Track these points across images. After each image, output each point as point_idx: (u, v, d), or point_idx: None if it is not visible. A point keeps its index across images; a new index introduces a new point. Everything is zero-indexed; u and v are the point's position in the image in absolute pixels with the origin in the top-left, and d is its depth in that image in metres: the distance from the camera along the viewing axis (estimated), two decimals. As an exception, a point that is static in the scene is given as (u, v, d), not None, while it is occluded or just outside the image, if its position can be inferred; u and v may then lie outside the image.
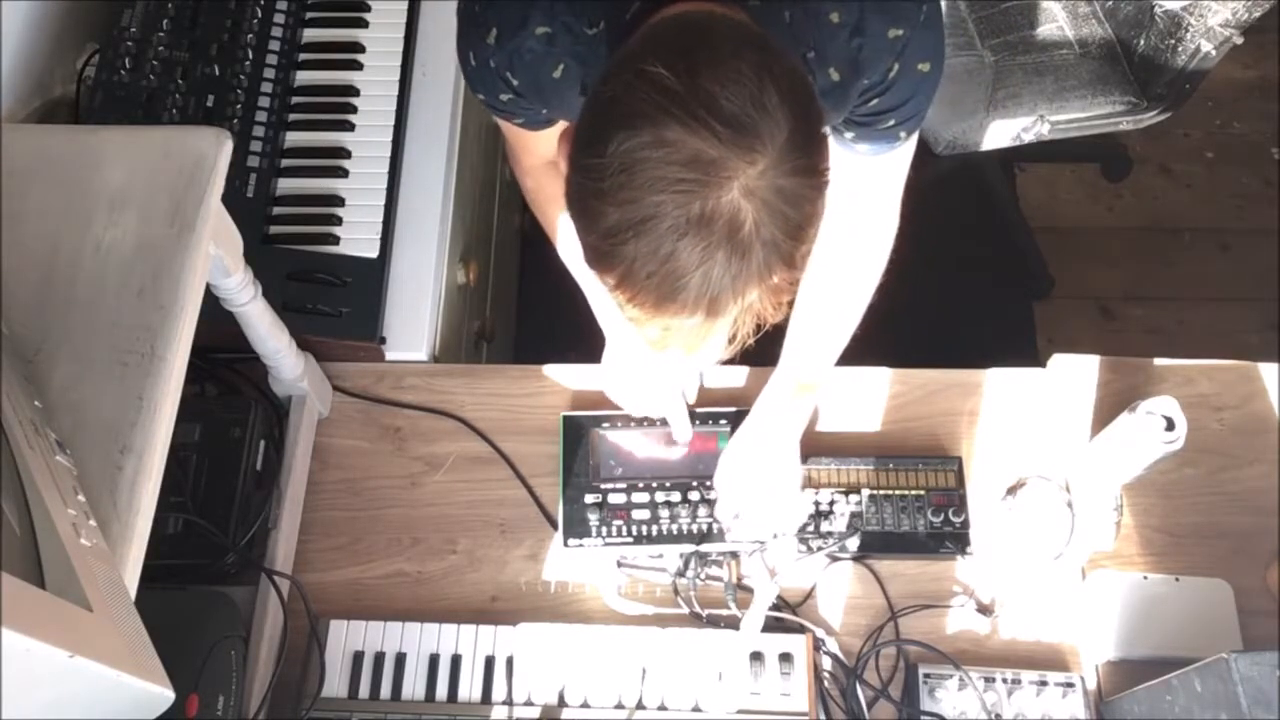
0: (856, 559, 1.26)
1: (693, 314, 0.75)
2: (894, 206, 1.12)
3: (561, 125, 1.10)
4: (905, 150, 1.05)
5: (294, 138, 1.42)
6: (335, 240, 1.36)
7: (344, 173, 1.40)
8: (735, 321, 0.77)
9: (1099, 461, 1.22)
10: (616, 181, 0.71)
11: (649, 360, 1.24)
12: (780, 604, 1.23)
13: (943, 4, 0.94)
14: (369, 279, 1.35)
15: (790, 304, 0.81)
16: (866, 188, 1.08)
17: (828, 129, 1.00)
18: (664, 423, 1.28)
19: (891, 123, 0.98)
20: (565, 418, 1.31)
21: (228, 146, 0.93)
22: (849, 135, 1.01)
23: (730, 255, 0.72)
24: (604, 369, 1.28)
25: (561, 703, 1.17)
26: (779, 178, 0.71)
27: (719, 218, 0.71)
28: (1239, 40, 1.64)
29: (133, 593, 0.76)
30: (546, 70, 0.94)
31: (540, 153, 1.15)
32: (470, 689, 1.18)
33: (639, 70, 0.72)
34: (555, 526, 1.28)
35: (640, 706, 1.17)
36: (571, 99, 0.97)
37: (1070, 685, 1.17)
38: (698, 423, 1.29)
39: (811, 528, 1.25)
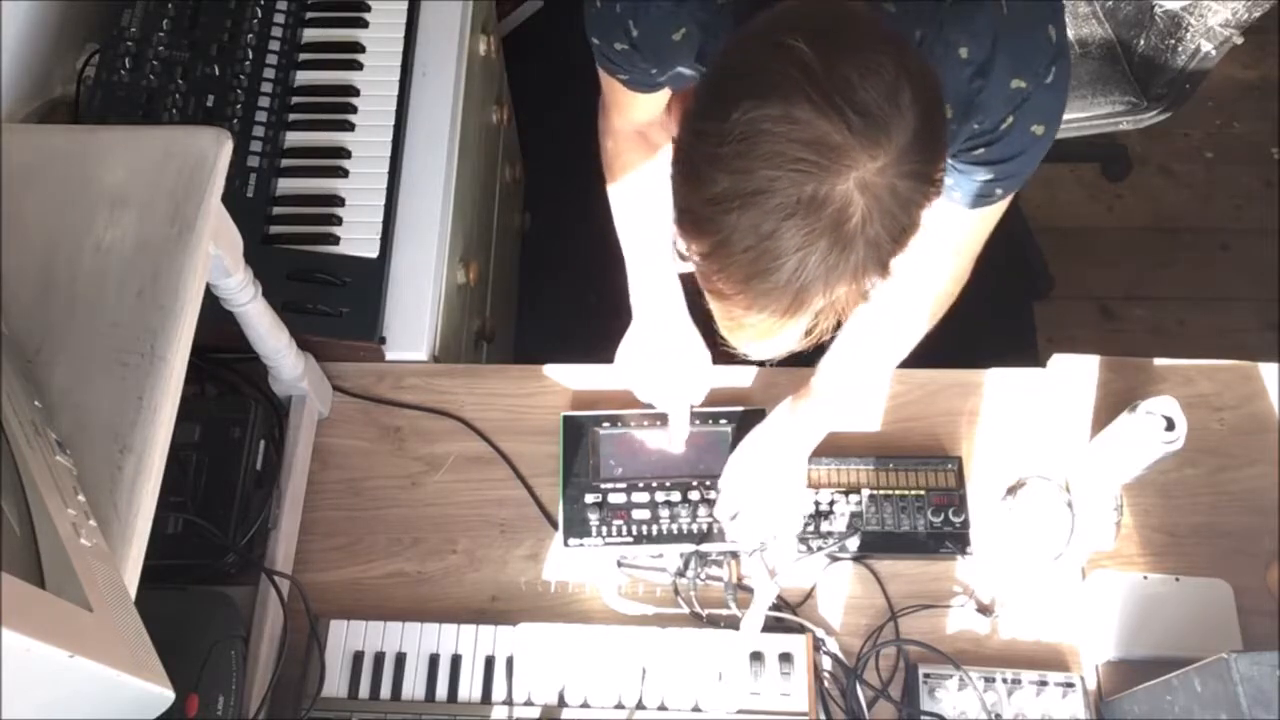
0: (856, 559, 1.26)
1: (780, 298, 0.73)
2: (969, 262, 1.09)
3: (664, 95, 1.08)
4: (996, 209, 1.02)
5: (294, 138, 1.42)
6: (335, 240, 1.36)
7: (344, 173, 1.40)
8: (816, 315, 0.76)
9: (1099, 461, 1.22)
10: (734, 149, 0.70)
11: (668, 349, 1.24)
12: (780, 604, 1.23)
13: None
14: (369, 279, 1.35)
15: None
16: (948, 235, 1.04)
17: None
18: (665, 421, 1.28)
19: (990, 177, 0.95)
20: (565, 418, 1.31)
21: (228, 146, 0.93)
22: (947, 180, 0.97)
23: (832, 246, 0.70)
24: (623, 349, 1.28)
25: (561, 703, 1.17)
26: (896, 177, 0.70)
27: (829, 205, 0.69)
28: (1239, 40, 1.64)
29: (133, 593, 0.76)
30: (668, 30, 0.92)
31: (633, 118, 1.14)
32: (470, 689, 1.18)
33: (779, 42, 0.70)
34: (555, 526, 1.28)
35: (640, 706, 1.17)
36: (684, 65, 0.96)
37: (1070, 685, 1.17)
38: (699, 422, 1.29)
39: (811, 528, 1.25)
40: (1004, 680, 1.17)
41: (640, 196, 1.21)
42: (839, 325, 0.78)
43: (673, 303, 1.24)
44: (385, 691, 1.18)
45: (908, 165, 0.70)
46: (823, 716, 1.18)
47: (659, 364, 1.26)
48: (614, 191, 1.23)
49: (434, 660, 1.19)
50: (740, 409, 1.30)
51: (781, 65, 0.69)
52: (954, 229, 1.03)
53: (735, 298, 0.75)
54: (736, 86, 0.71)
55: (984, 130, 0.91)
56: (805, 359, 0.90)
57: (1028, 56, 0.88)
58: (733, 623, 1.21)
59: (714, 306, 0.79)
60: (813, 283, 0.72)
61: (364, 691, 1.18)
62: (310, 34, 1.48)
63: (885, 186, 0.70)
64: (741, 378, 1.35)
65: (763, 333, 0.78)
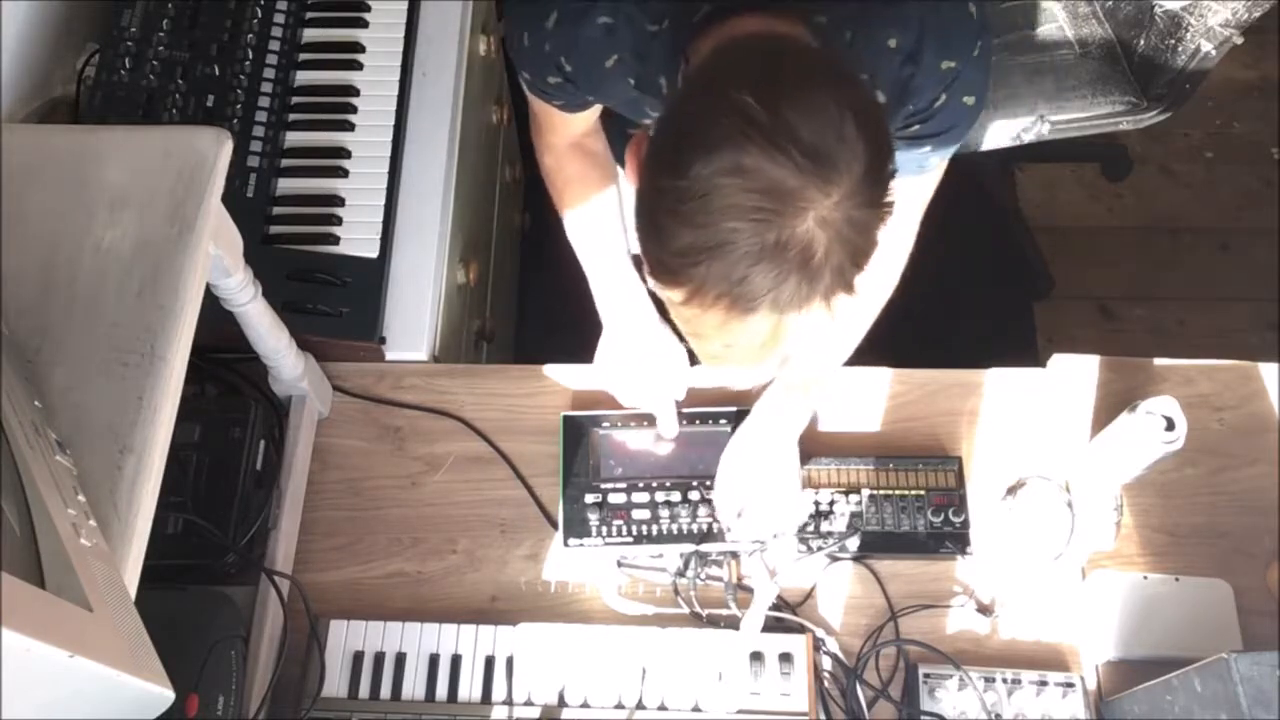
0: (856, 559, 1.26)
1: (757, 335, 0.76)
2: (912, 229, 1.13)
3: (597, 108, 1.10)
4: (933, 177, 1.06)
5: (294, 138, 1.42)
6: (335, 240, 1.36)
7: (344, 173, 1.40)
8: (794, 343, 0.78)
9: (1099, 461, 1.22)
10: (695, 206, 0.72)
11: (643, 354, 1.24)
12: (780, 604, 1.23)
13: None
14: (369, 279, 1.35)
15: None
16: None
17: None
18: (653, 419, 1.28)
19: (927, 149, 0.99)
20: (565, 418, 1.31)
21: (228, 146, 0.93)
22: None
23: (800, 281, 0.73)
24: (599, 359, 1.28)
25: (561, 703, 1.17)
26: (852, 208, 0.73)
27: (793, 246, 0.72)
28: (1239, 40, 1.64)
29: (133, 593, 0.76)
30: (600, 60, 0.95)
31: (568, 133, 1.16)
32: (470, 689, 1.18)
33: (722, 96, 0.73)
34: (555, 526, 1.28)
35: (640, 706, 1.17)
36: (621, 90, 0.98)
37: (1070, 685, 1.17)
38: (697, 422, 1.29)
39: (811, 528, 1.25)
40: (1004, 680, 1.17)
41: (589, 207, 1.23)
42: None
43: (639, 306, 1.25)
44: (385, 691, 1.18)
45: (863, 195, 0.73)
46: (823, 716, 1.18)
47: (636, 368, 1.26)
48: (563, 206, 1.24)
49: (434, 660, 1.19)
50: (736, 409, 1.30)
51: (728, 119, 0.72)
52: (897, 200, 1.06)
53: (714, 338, 0.79)
54: (688, 143, 0.74)
55: (918, 110, 0.95)
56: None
57: (955, 38, 0.91)
58: (733, 623, 1.21)
59: (694, 344, 0.83)
60: (786, 317, 0.75)
61: (364, 691, 1.18)
62: (310, 34, 1.48)
63: (843, 219, 0.73)
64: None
65: (743, 364, 0.81)
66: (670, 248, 0.75)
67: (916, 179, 1.05)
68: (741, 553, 1.25)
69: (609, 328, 1.27)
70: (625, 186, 1.22)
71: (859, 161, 0.72)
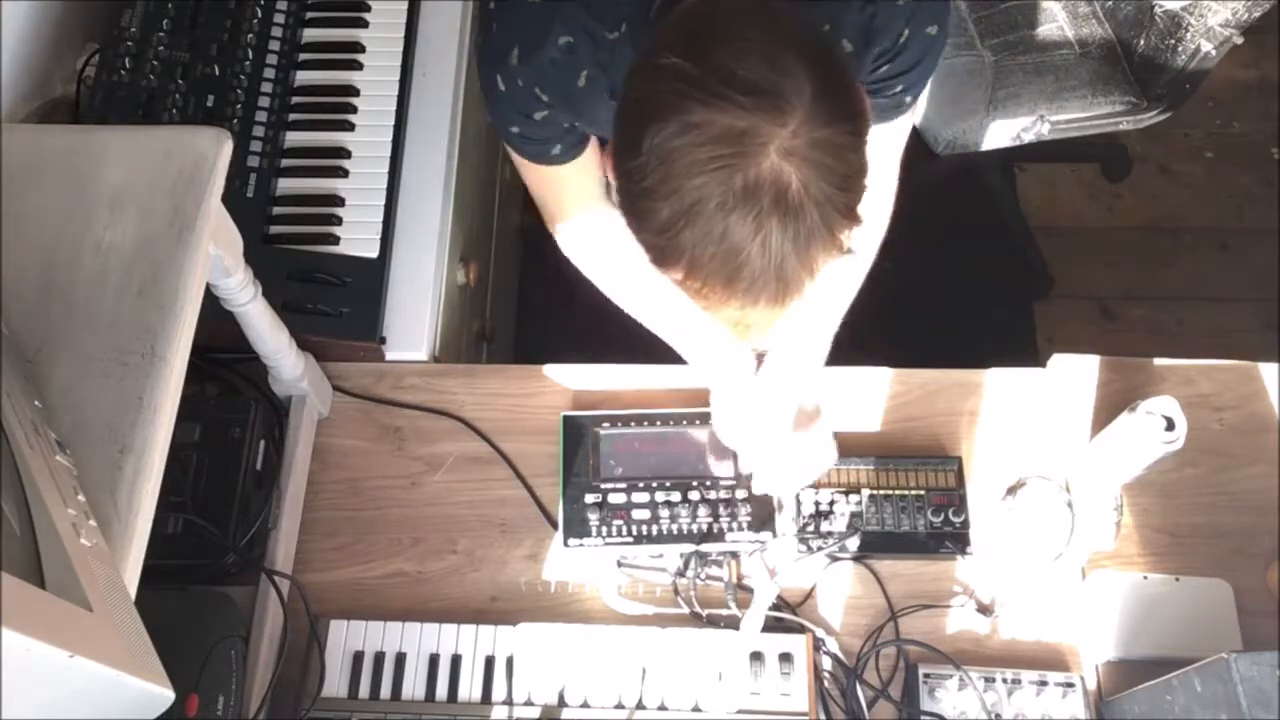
0: (856, 559, 1.26)
1: (765, 286, 0.74)
2: (894, 172, 1.13)
3: (596, 155, 1.10)
4: (907, 119, 1.06)
5: (294, 138, 1.42)
6: (335, 240, 1.36)
7: (344, 173, 1.40)
8: (807, 287, 0.76)
9: (1099, 461, 1.22)
10: (657, 176, 0.72)
11: (750, 400, 1.22)
12: (780, 604, 1.23)
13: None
14: (369, 279, 1.35)
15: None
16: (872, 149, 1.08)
17: None
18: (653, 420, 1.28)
19: (899, 88, 0.99)
20: (565, 418, 1.31)
21: (228, 146, 0.93)
22: None
23: (784, 219, 0.72)
24: (715, 419, 1.26)
25: (561, 703, 1.17)
26: (814, 130, 0.71)
27: (763, 184, 0.71)
28: (1239, 40, 1.64)
29: (133, 593, 0.76)
30: (571, 79, 0.95)
31: (584, 191, 1.13)
32: (470, 689, 1.18)
33: (655, 64, 0.73)
34: (555, 526, 1.28)
35: (640, 706, 1.17)
36: (600, 108, 0.98)
37: (1070, 685, 1.17)
38: (698, 422, 1.29)
39: (811, 528, 1.25)
40: (1004, 680, 1.17)
41: (650, 289, 1.19)
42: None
43: (734, 359, 1.22)
44: (385, 691, 1.18)
45: (822, 116, 0.71)
46: (823, 716, 1.18)
47: (749, 419, 1.22)
48: (619, 296, 1.22)
49: (434, 660, 1.19)
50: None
51: (664, 83, 0.72)
52: (875, 147, 1.07)
53: (729, 302, 0.77)
54: (636, 120, 0.73)
55: (885, 49, 0.95)
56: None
57: None
58: (733, 623, 1.21)
59: (717, 318, 0.81)
60: (786, 259, 0.73)
61: (364, 691, 1.18)
62: (310, 34, 1.48)
63: (807, 144, 0.71)
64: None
65: (769, 322, 0.79)
66: (653, 227, 0.74)
67: (890, 125, 1.05)
68: (741, 553, 1.25)
69: (714, 389, 1.25)
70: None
71: (805, 83, 0.71)
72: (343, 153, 1.41)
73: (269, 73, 1.42)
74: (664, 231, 0.74)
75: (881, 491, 1.27)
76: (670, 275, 0.78)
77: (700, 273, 0.75)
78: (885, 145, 1.08)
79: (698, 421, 1.29)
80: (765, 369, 1.22)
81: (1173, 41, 1.71)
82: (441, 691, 1.18)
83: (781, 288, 0.75)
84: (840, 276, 1.15)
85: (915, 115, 1.06)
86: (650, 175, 0.72)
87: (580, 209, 1.16)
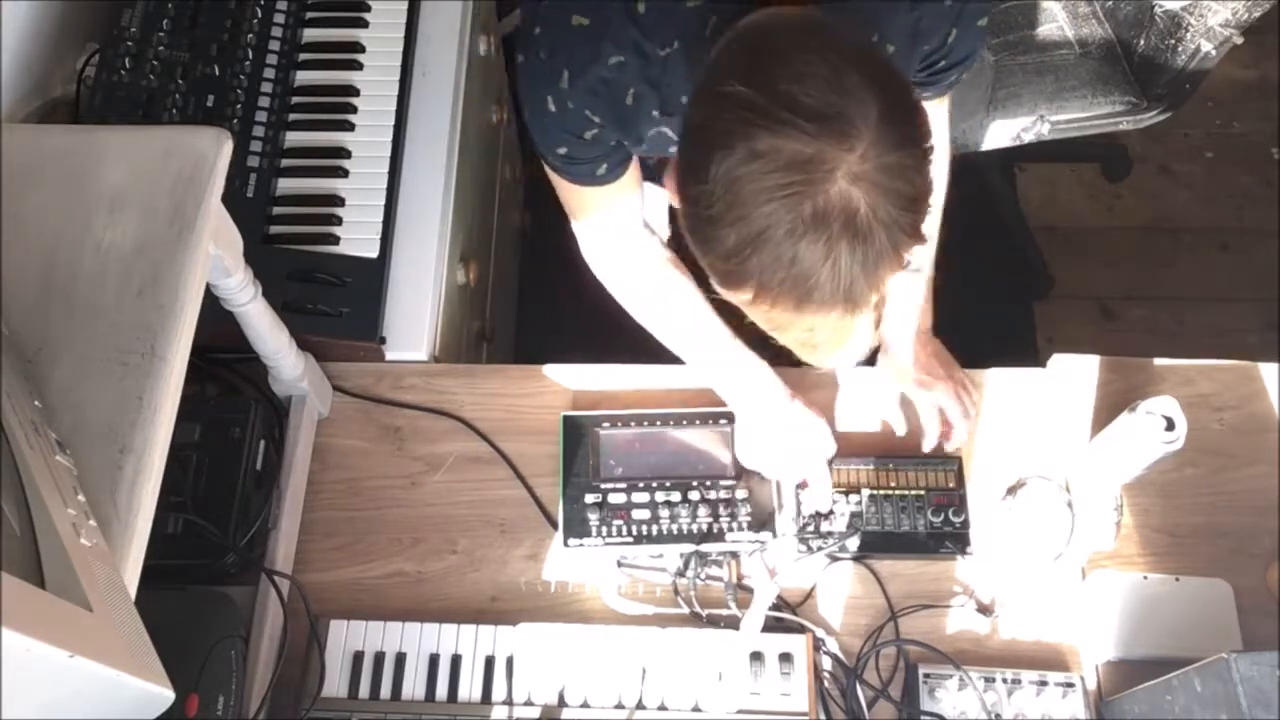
0: (856, 559, 1.26)
1: (831, 308, 0.75)
2: (946, 139, 1.17)
3: (637, 174, 1.10)
4: (949, 91, 1.08)
5: (294, 138, 1.42)
6: (335, 240, 1.36)
7: (344, 173, 1.40)
8: (875, 305, 0.77)
9: (1099, 461, 1.22)
10: (724, 203, 0.72)
11: (781, 429, 1.24)
12: (780, 604, 1.23)
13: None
14: (369, 279, 1.35)
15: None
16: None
17: None
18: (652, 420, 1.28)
19: (951, 78, 1.01)
20: (565, 418, 1.31)
21: (228, 146, 0.93)
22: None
23: (853, 243, 0.72)
24: (740, 447, 1.26)
25: (561, 703, 1.17)
26: (881, 155, 0.71)
27: (832, 211, 0.71)
28: (1239, 40, 1.64)
29: (133, 593, 0.76)
30: (620, 98, 0.95)
31: (622, 212, 1.14)
32: (470, 689, 1.18)
33: (718, 93, 0.73)
34: (555, 526, 1.28)
35: (640, 706, 1.17)
36: (645, 125, 0.98)
37: (1070, 685, 1.17)
38: (698, 422, 1.29)
39: (811, 528, 1.25)
40: (1004, 680, 1.17)
41: (681, 314, 1.21)
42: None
43: (764, 387, 1.24)
44: (385, 691, 1.18)
45: (889, 139, 0.72)
46: (823, 716, 1.18)
47: (783, 446, 1.24)
48: (648, 320, 1.23)
49: (434, 660, 1.19)
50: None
51: (729, 111, 0.72)
52: (934, 118, 1.09)
53: (795, 324, 0.78)
54: (702, 147, 0.74)
55: (933, 49, 0.96)
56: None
57: None
58: (733, 623, 1.21)
59: (782, 339, 0.82)
60: (854, 281, 0.74)
61: (364, 691, 1.18)
62: (310, 34, 1.48)
63: (875, 169, 0.71)
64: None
65: (836, 343, 0.80)
66: (719, 252, 0.75)
67: (946, 96, 1.07)
68: (741, 553, 1.25)
69: (741, 415, 1.26)
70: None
71: (871, 106, 0.71)
72: (343, 153, 1.41)
73: (269, 73, 1.42)
74: (732, 257, 0.74)
75: (881, 491, 1.27)
76: (736, 297, 0.79)
77: (769, 296, 0.75)
78: (940, 110, 1.10)
79: (698, 421, 1.29)
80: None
81: (1173, 41, 1.71)
82: (441, 691, 1.18)
83: (850, 309, 0.76)
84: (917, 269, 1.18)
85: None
86: (717, 203, 0.73)
87: (616, 231, 1.17)
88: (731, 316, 1.19)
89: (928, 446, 1.28)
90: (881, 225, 0.72)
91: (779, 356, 1.21)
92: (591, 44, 0.92)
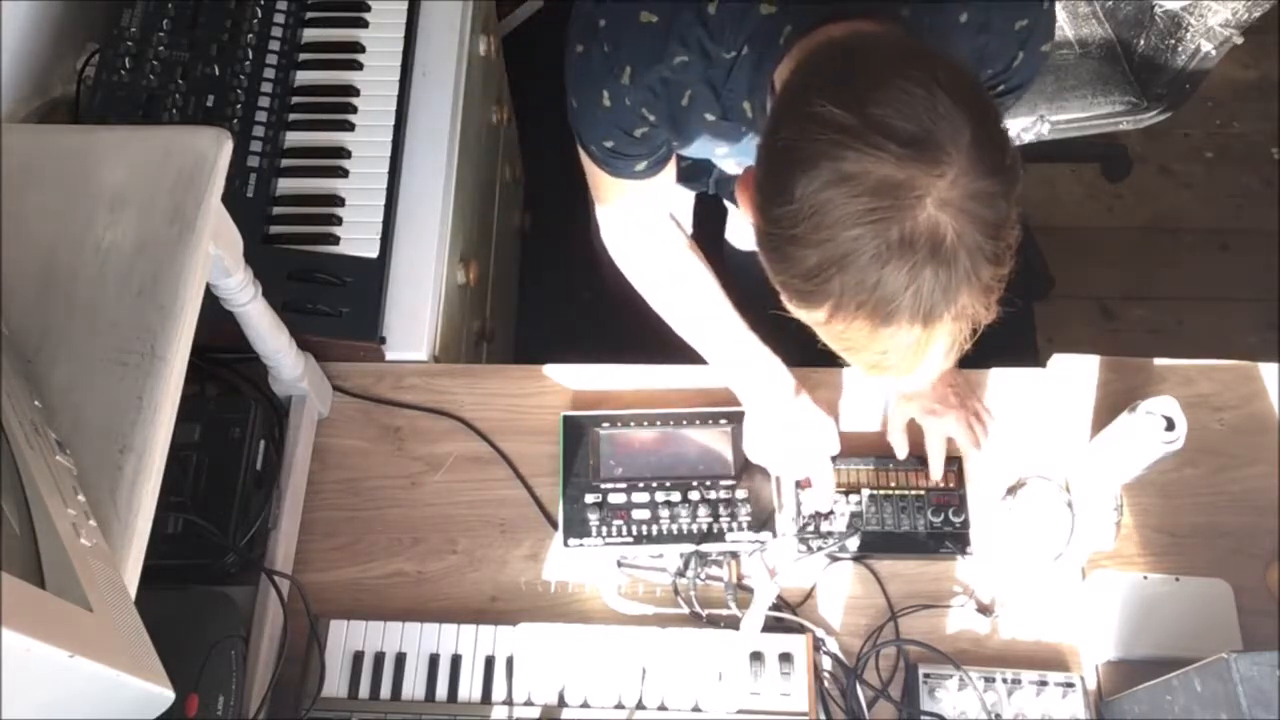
0: (856, 559, 1.26)
1: (908, 333, 0.75)
2: None
3: (673, 170, 1.09)
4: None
5: (294, 138, 1.42)
6: (335, 240, 1.36)
7: (344, 173, 1.40)
8: (951, 331, 0.77)
9: (1099, 461, 1.22)
10: (809, 225, 0.72)
11: (788, 425, 1.24)
12: (780, 604, 1.23)
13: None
14: (369, 279, 1.35)
15: (1000, 302, 0.80)
16: None
17: None
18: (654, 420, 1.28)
19: (1009, 102, 1.01)
20: (565, 418, 1.31)
21: (228, 146, 0.93)
22: None
23: (937, 269, 0.72)
24: (748, 440, 1.26)
25: (561, 703, 1.17)
26: (972, 182, 0.71)
27: (919, 237, 0.71)
28: (1239, 40, 1.64)
29: (133, 593, 0.76)
30: (677, 98, 0.95)
31: (654, 206, 1.14)
32: (470, 689, 1.18)
33: (806, 113, 0.72)
34: (555, 526, 1.28)
35: (640, 706, 1.17)
36: (697, 126, 0.98)
37: (1070, 685, 1.17)
38: (698, 422, 1.29)
39: (811, 528, 1.25)
40: (1004, 680, 1.17)
41: (696, 301, 1.22)
42: (975, 331, 0.79)
43: (774, 381, 1.24)
44: (385, 691, 1.18)
45: (979, 166, 0.71)
46: (823, 716, 1.18)
47: (786, 441, 1.24)
48: (660, 304, 1.23)
49: (434, 660, 1.19)
50: (742, 409, 1.29)
51: (819, 132, 0.71)
52: None
53: (867, 348, 0.77)
54: (788, 167, 0.73)
55: (997, 73, 0.95)
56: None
57: None
58: (733, 623, 1.21)
59: (849, 359, 0.81)
60: (934, 306, 0.73)
61: (364, 691, 1.18)
62: (310, 34, 1.48)
63: (964, 195, 0.71)
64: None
65: (907, 367, 0.79)
66: (798, 271, 0.74)
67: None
68: (741, 553, 1.25)
69: (750, 408, 1.26)
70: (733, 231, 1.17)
71: (963, 132, 0.70)
72: (343, 153, 1.41)
73: (269, 73, 1.42)
74: (813, 277, 0.74)
75: (881, 491, 1.27)
76: (809, 316, 0.78)
77: (846, 317, 0.75)
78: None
79: (698, 421, 1.29)
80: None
81: (1173, 41, 1.71)
82: (441, 691, 1.18)
83: (927, 336, 0.75)
84: None
85: None
86: (802, 223, 0.72)
87: (641, 220, 1.17)
88: (748, 313, 1.20)
89: (934, 476, 1.27)
90: (966, 251, 0.72)
91: (787, 354, 1.22)
92: (658, 41, 0.91)
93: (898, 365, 0.78)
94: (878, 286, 0.72)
